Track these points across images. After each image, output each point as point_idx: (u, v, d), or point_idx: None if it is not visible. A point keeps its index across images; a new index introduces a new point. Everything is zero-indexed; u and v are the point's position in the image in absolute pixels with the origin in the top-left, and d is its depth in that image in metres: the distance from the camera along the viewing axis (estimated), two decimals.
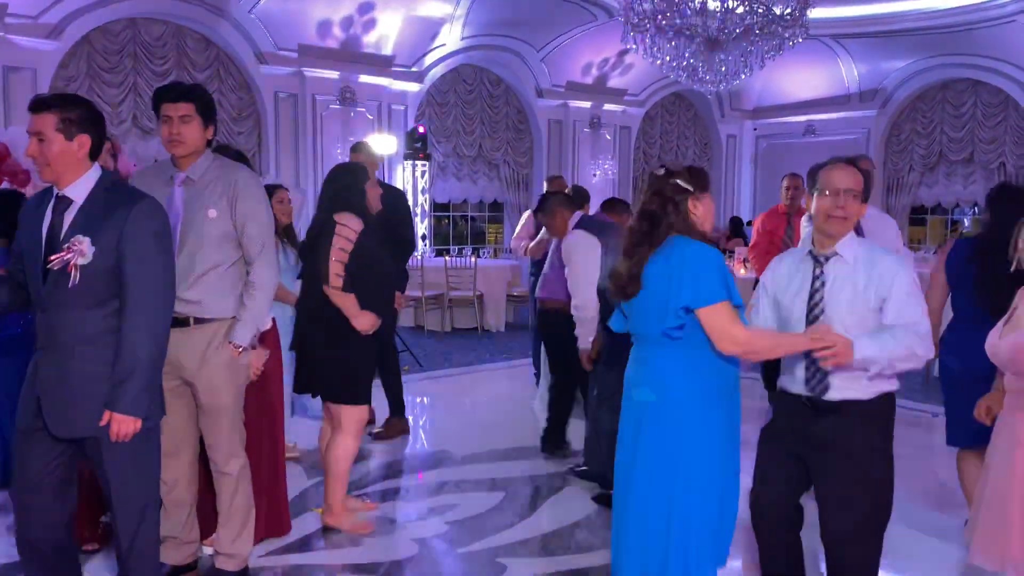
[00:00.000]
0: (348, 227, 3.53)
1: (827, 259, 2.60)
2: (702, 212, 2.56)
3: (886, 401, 2.57)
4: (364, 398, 3.71)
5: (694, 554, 2.51)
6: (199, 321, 2.94)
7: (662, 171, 2.57)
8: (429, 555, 3.58)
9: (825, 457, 2.56)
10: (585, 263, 4.32)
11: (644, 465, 2.54)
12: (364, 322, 3.55)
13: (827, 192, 2.58)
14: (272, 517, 3.58)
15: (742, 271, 7.55)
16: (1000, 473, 2.52)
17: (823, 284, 2.58)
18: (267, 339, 3.36)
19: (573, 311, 4.38)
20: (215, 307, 2.95)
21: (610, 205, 5.19)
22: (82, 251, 2.35)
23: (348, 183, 3.71)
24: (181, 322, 2.90)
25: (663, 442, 2.51)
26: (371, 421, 4.95)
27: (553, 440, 4.92)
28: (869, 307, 2.52)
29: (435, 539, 3.72)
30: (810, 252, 2.64)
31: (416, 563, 3.51)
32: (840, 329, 2.45)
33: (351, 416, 3.66)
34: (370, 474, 4.58)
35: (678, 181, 2.53)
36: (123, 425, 2.42)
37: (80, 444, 2.51)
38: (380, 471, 4.64)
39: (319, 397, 3.76)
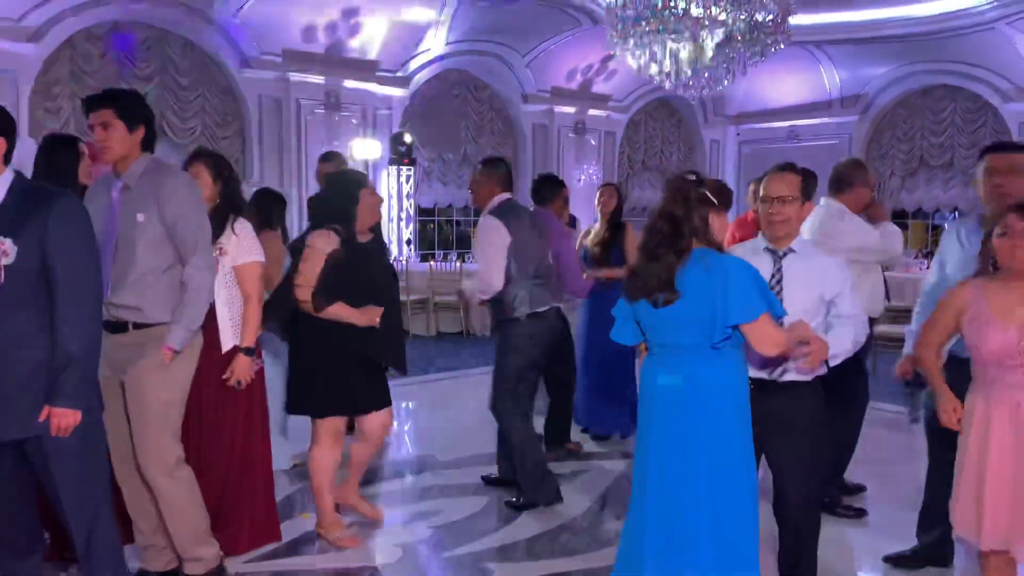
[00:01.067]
0: (314, 247, 3.41)
1: (784, 254, 2.85)
2: (717, 228, 2.59)
3: (818, 382, 2.88)
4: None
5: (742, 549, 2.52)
6: (138, 326, 2.91)
7: (693, 177, 2.60)
8: (413, 560, 3.59)
9: (781, 431, 2.81)
10: (487, 249, 4.11)
11: (677, 453, 2.53)
12: (366, 318, 3.45)
13: (764, 200, 2.86)
14: (263, 524, 3.56)
15: None
16: (975, 456, 2.65)
17: (781, 278, 2.81)
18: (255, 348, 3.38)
19: (480, 294, 4.22)
20: (154, 312, 2.91)
21: (538, 189, 5.15)
22: (5, 251, 2.33)
23: (329, 195, 3.61)
24: (119, 327, 2.88)
25: (697, 428, 2.52)
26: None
27: (554, 436, 4.99)
28: (822, 300, 2.81)
29: (420, 544, 3.73)
30: (767, 248, 2.87)
31: (400, 568, 3.51)
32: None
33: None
34: None
35: (706, 192, 2.56)
36: (63, 418, 2.40)
37: (20, 449, 2.47)
38: (365, 475, 4.61)
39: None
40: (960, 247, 3.15)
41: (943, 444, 2.98)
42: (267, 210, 4.43)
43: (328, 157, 5.49)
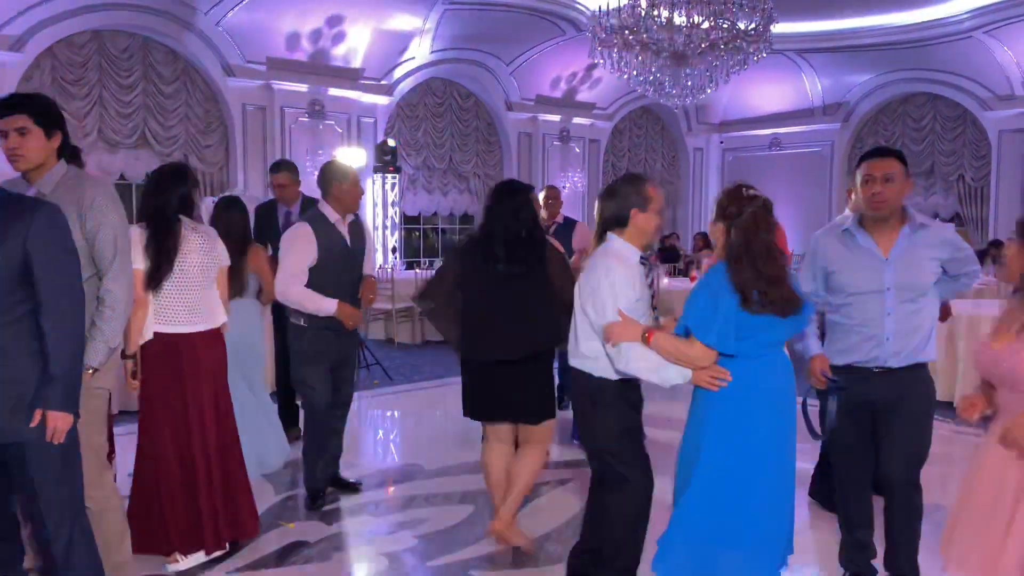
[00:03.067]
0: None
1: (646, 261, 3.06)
2: None
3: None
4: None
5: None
6: None
7: (753, 191, 2.67)
8: (399, 569, 3.57)
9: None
10: (288, 254, 4.08)
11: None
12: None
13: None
14: (236, 520, 3.57)
15: None
16: (988, 488, 2.37)
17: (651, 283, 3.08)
18: (216, 342, 3.41)
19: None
20: None
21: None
22: None
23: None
24: None
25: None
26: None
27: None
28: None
29: (405, 553, 3.71)
30: (641, 258, 2.98)
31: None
32: None
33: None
34: (329, 493, 4.54)
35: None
36: (60, 421, 2.42)
37: None
38: (350, 484, 4.60)
39: None
40: (846, 250, 3.07)
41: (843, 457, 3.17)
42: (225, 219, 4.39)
43: (278, 167, 5.25)
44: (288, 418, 5.18)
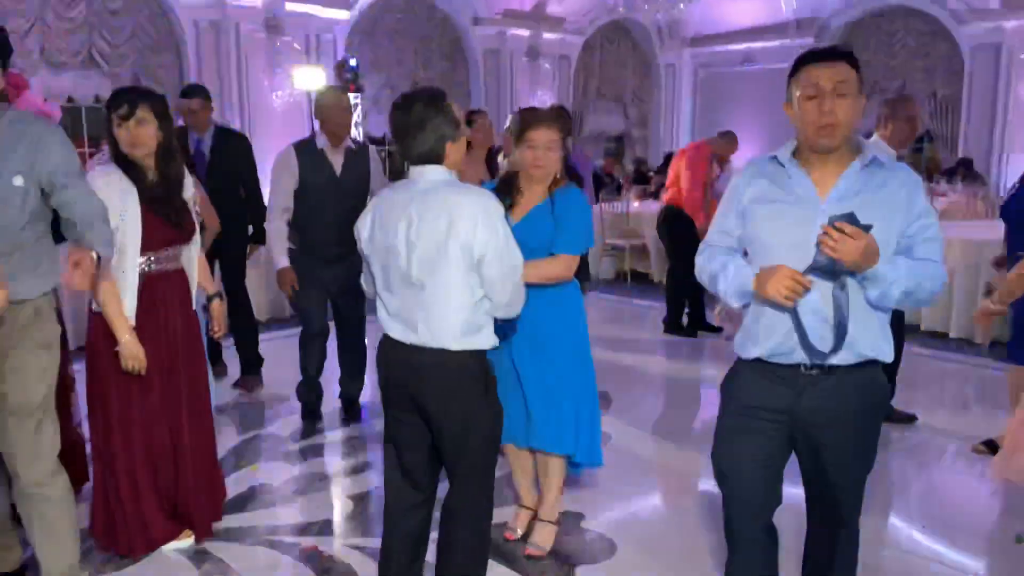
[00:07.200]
0: None
1: None
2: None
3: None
4: None
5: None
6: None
7: None
8: (365, 511, 3.52)
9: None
10: (271, 183, 4.12)
11: None
12: None
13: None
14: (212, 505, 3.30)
15: None
16: None
17: None
18: (185, 301, 3.12)
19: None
20: (25, 286, 2.43)
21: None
22: None
23: None
24: None
25: None
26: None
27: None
28: None
29: (374, 492, 3.66)
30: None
31: (353, 520, 3.45)
32: None
33: None
34: (301, 427, 4.48)
35: None
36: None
37: None
38: (304, 424, 4.52)
39: None
40: None
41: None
42: None
43: (192, 92, 4.88)
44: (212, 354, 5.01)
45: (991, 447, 4.01)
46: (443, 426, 2.34)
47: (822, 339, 2.04)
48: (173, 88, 9.28)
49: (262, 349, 5.23)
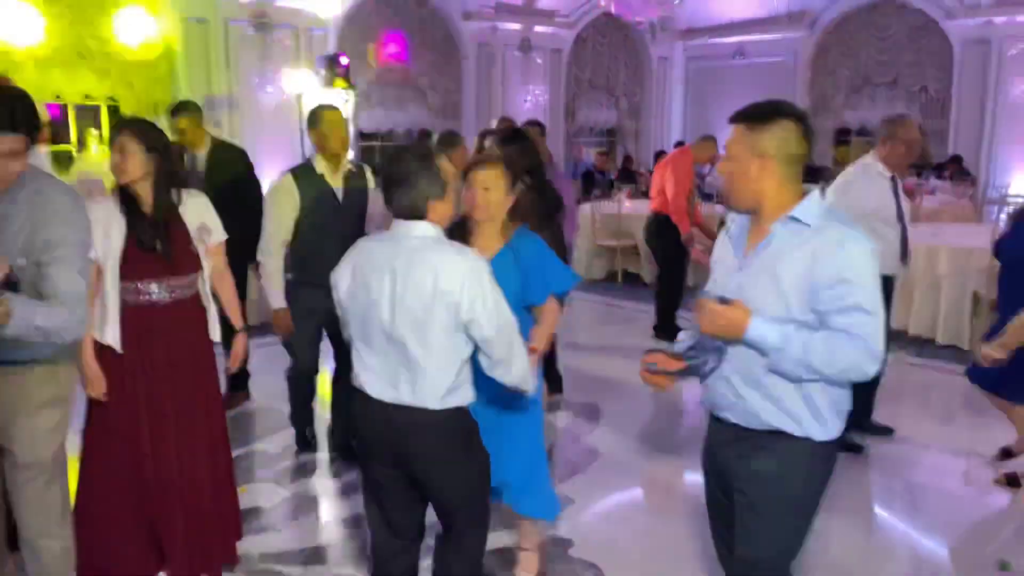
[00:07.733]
0: None
1: None
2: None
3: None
4: None
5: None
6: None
7: None
8: (360, 536, 3.54)
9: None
10: (267, 212, 3.90)
11: None
12: None
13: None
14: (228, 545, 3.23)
15: None
16: None
17: None
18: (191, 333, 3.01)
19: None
20: (36, 346, 2.38)
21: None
22: None
23: None
24: None
25: None
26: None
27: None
28: None
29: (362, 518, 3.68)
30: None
31: (345, 546, 3.48)
32: None
33: None
34: (283, 451, 4.44)
35: None
36: None
37: None
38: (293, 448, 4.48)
39: None
40: None
41: None
42: None
43: (179, 110, 4.67)
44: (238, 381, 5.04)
45: (1012, 481, 3.94)
46: (431, 488, 2.35)
47: (723, 396, 2.11)
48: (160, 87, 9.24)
49: (252, 357, 5.20)
